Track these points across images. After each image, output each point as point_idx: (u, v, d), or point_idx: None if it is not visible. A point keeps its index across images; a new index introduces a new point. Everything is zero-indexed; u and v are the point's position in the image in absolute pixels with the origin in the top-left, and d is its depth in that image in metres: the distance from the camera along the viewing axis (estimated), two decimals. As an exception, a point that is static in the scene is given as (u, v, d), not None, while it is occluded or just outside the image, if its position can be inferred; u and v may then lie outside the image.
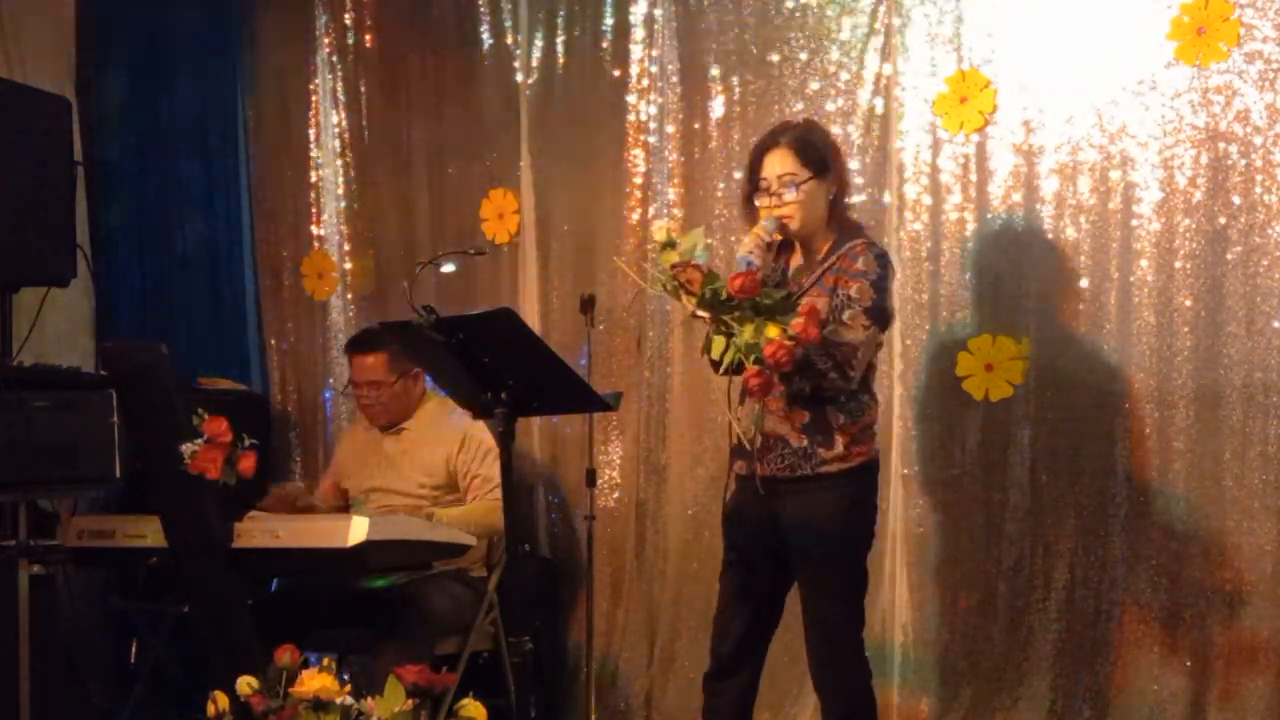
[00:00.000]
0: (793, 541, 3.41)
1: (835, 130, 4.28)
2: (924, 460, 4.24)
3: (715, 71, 4.66)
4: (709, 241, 3.20)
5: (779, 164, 3.40)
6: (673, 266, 3.15)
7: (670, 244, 3.17)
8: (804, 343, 3.09)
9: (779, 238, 3.41)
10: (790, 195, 3.38)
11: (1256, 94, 3.82)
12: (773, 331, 3.07)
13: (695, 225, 4.65)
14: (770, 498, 3.42)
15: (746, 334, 3.08)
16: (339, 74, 5.45)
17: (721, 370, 3.22)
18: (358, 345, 4.58)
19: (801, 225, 3.41)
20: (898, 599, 4.24)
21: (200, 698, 3.31)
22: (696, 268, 3.12)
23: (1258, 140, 3.83)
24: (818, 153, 3.41)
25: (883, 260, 3.38)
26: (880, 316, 3.36)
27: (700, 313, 3.16)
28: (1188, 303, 3.92)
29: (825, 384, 3.30)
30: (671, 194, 4.74)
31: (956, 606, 4.22)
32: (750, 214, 3.46)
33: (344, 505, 4.61)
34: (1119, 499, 4.00)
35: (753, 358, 3.08)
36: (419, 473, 4.45)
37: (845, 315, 3.29)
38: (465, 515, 4.26)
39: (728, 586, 3.56)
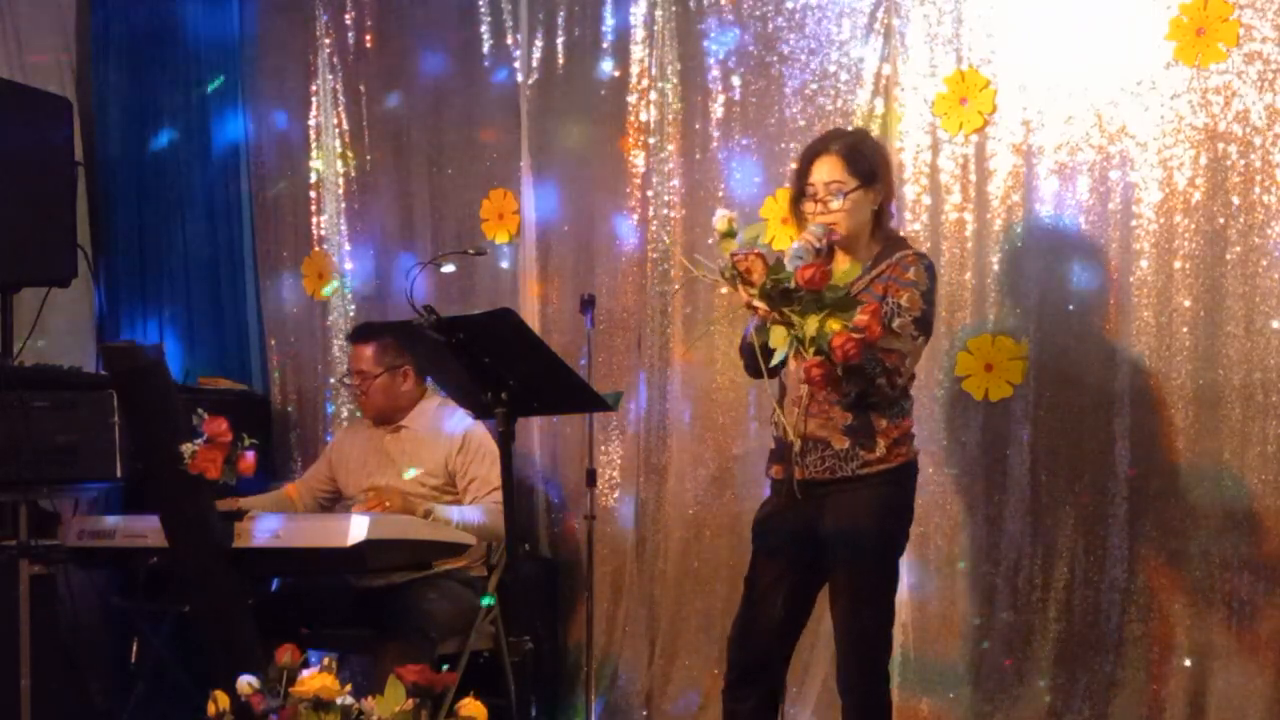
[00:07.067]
0: (831, 543, 3.39)
1: (835, 131, 4.29)
2: (924, 460, 4.23)
3: (715, 71, 4.66)
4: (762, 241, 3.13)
5: (827, 171, 3.41)
6: (732, 255, 3.07)
7: (731, 233, 3.10)
8: (869, 339, 3.04)
9: (826, 244, 3.37)
10: (836, 204, 3.39)
11: (1255, 94, 3.82)
12: (835, 326, 3.00)
13: (695, 226, 4.69)
14: (807, 502, 3.41)
15: (811, 326, 3.01)
16: (339, 74, 5.45)
17: (770, 364, 3.12)
18: (355, 334, 4.69)
19: (847, 233, 3.41)
20: (898, 599, 4.22)
21: (200, 698, 3.32)
22: (760, 257, 3.03)
23: (1257, 141, 3.83)
24: (867, 163, 3.42)
25: (931, 272, 3.41)
26: (927, 327, 3.39)
27: (757, 303, 3.07)
28: (1187, 303, 3.92)
29: (872, 390, 3.30)
30: (671, 194, 4.74)
31: (956, 606, 4.22)
32: (798, 217, 3.47)
33: (332, 496, 4.63)
34: (1119, 499, 4.00)
35: (813, 350, 3.01)
36: (418, 471, 4.45)
37: (895, 324, 3.29)
38: (463, 519, 4.25)
39: (754, 591, 3.51)
